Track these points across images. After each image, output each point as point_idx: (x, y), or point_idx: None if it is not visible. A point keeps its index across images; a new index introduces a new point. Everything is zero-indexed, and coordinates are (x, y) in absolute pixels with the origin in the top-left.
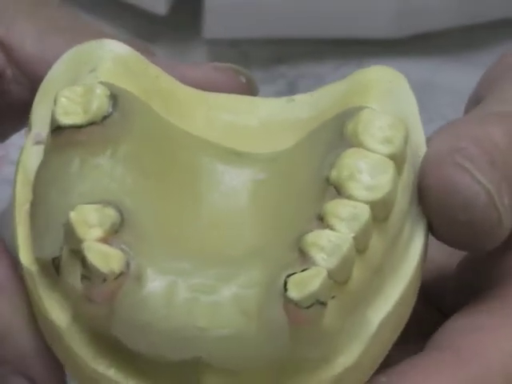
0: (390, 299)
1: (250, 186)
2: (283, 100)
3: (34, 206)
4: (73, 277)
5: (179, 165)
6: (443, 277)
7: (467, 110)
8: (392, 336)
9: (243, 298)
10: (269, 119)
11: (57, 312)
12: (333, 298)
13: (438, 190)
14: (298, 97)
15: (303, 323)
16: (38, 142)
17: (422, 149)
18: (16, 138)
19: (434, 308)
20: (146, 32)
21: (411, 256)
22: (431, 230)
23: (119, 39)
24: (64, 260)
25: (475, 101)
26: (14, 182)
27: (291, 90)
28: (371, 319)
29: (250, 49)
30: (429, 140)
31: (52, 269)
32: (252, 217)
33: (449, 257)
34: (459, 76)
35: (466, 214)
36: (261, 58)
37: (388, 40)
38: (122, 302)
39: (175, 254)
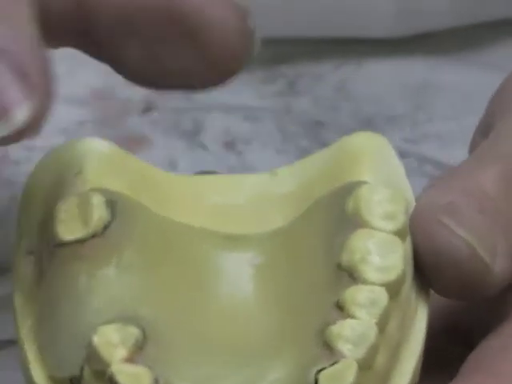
0: (407, 371)
1: (252, 271)
2: (266, 175)
3: (43, 322)
4: None
5: (181, 260)
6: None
7: (473, 140)
8: None
9: None
10: (255, 196)
11: None
12: None
13: (423, 250)
14: (281, 170)
15: None
16: (29, 253)
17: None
18: None
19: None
20: None
21: (419, 321)
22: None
23: None
24: (87, 380)
25: (482, 131)
26: (13, 293)
27: (291, 90)
28: None
29: None
30: (421, 194)
31: None
32: (262, 304)
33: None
34: (459, 76)
35: (452, 270)
36: (260, 58)
37: (387, 40)
38: None
39: (199, 359)
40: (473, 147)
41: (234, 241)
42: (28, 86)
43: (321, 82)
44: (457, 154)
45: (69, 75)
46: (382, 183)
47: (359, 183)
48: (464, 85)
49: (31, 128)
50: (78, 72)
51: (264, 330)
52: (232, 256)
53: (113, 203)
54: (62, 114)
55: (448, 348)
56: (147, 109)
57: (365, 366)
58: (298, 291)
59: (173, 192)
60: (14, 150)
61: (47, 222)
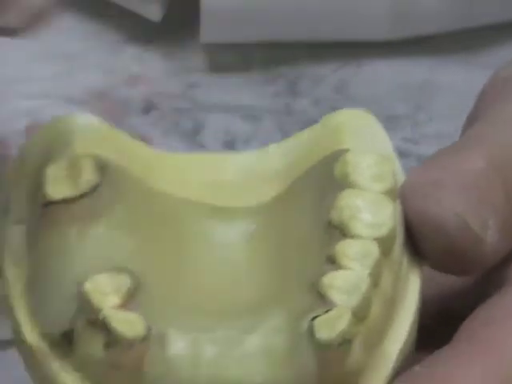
0: (403, 329)
1: (243, 238)
2: (253, 153)
3: (34, 282)
4: (93, 347)
5: (169, 227)
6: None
7: (463, 131)
8: (403, 364)
9: (270, 347)
10: (243, 173)
11: None
12: (353, 341)
13: (414, 223)
14: (268, 148)
15: (332, 364)
16: (18, 222)
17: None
18: (16, 138)
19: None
20: (144, 36)
21: (412, 284)
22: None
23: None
24: (80, 332)
25: (470, 123)
26: (4, 264)
27: (291, 90)
28: (389, 351)
29: (248, 51)
30: (409, 172)
31: (63, 342)
32: (254, 266)
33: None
34: (459, 77)
35: (443, 242)
36: (259, 61)
37: (386, 42)
38: (150, 365)
39: (192, 312)
40: (462, 134)
41: (222, 212)
42: None
43: (321, 83)
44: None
45: (69, 75)
46: (369, 151)
47: (345, 150)
48: (464, 85)
49: None
50: (77, 72)
51: (256, 286)
52: (221, 224)
53: (102, 166)
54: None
55: (440, 329)
56: (147, 109)
57: (359, 316)
58: (289, 251)
59: (160, 166)
60: (14, 151)
61: (37, 190)
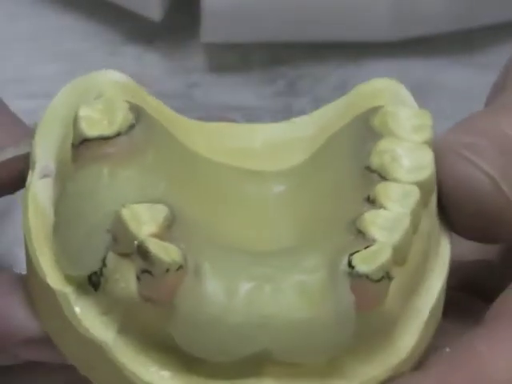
0: (435, 289)
1: (276, 194)
2: (282, 123)
3: (62, 225)
4: (125, 281)
5: (200, 176)
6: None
7: (488, 99)
8: (435, 325)
9: (307, 284)
10: (271, 141)
11: (99, 329)
12: (392, 279)
13: (445, 184)
14: (297, 119)
15: (371, 301)
16: (45, 176)
17: None
18: None
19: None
20: (144, 35)
21: (443, 246)
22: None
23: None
24: (111, 267)
25: (496, 91)
26: (25, 215)
27: (291, 90)
28: (422, 308)
29: (248, 52)
30: (441, 135)
31: (89, 286)
32: (289, 216)
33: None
34: (459, 77)
35: (473, 203)
36: (259, 61)
37: (386, 42)
38: (183, 298)
39: (227, 250)
40: (488, 102)
41: (253, 174)
42: None
43: (321, 83)
44: None
45: (69, 75)
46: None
47: (381, 106)
48: (463, 85)
49: None
50: (77, 72)
51: (291, 231)
52: (253, 183)
53: (137, 109)
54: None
55: (468, 301)
56: None
57: (398, 257)
58: (324, 199)
59: (187, 131)
60: None
61: (66, 139)
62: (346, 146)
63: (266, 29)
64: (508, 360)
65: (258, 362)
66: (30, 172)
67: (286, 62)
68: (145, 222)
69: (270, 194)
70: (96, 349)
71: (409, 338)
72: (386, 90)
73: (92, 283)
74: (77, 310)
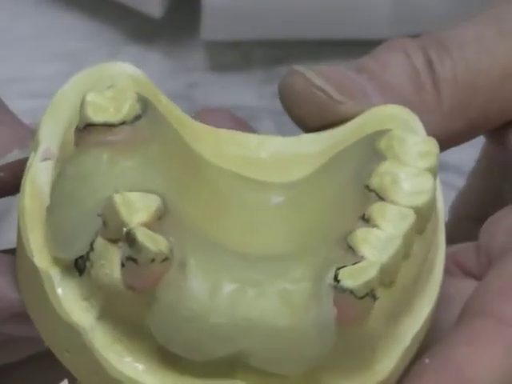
0: (421, 315)
1: (275, 204)
2: (291, 137)
3: (55, 208)
4: (109, 267)
5: (201, 178)
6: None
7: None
8: (416, 349)
9: (291, 293)
10: (278, 153)
11: (79, 313)
12: (377, 299)
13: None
14: (306, 135)
15: (353, 318)
16: (46, 158)
17: (437, 185)
18: None
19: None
20: (145, 34)
21: (435, 278)
22: None
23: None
24: (97, 252)
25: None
26: (21, 195)
27: None
28: (405, 334)
29: (248, 50)
30: None
31: (75, 270)
32: (284, 226)
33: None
34: None
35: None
36: (260, 59)
37: (385, 41)
38: (165, 290)
39: (216, 250)
40: None
41: (256, 183)
42: None
43: None
44: (457, 153)
45: (69, 75)
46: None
47: (391, 130)
48: None
49: None
50: (78, 72)
51: (284, 240)
52: (253, 191)
53: (146, 101)
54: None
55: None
56: None
57: (385, 277)
58: (321, 213)
59: (195, 134)
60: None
61: (72, 126)
62: (349, 164)
63: (266, 27)
64: (489, 367)
65: (233, 366)
66: (32, 153)
67: (286, 60)
68: (137, 209)
69: (269, 203)
70: (73, 333)
71: (388, 362)
72: (397, 116)
73: (78, 267)
74: (59, 292)
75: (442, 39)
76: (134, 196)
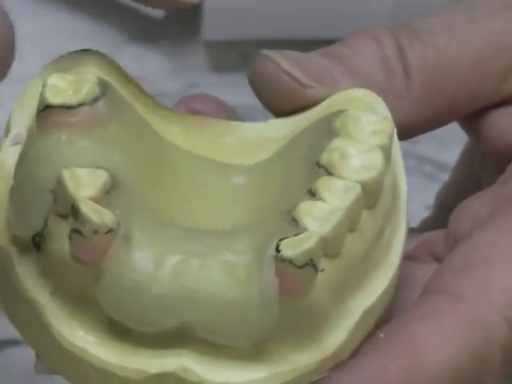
0: (374, 292)
1: (234, 185)
2: (260, 123)
3: (16, 188)
4: (60, 241)
5: (162, 159)
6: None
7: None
8: (370, 328)
9: (235, 264)
10: (245, 138)
11: (35, 289)
12: (322, 270)
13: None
14: (275, 120)
15: (295, 288)
16: (16, 143)
17: (399, 165)
18: None
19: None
20: (145, 34)
21: (392, 257)
22: None
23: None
24: (50, 228)
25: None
26: None
27: None
28: (354, 308)
29: (248, 50)
30: None
31: (32, 247)
32: (237, 205)
33: None
34: None
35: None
36: None
37: None
38: (111, 262)
39: (163, 225)
40: None
41: (217, 165)
42: None
43: None
44: (456, 154)
45: None
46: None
47: (347, 110)
48: None
49: None
50: None
51: (234, 218)
52: (214, 172)
53: (105, 84)
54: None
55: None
56: None
57: (329, 248)
58: (274, 192)
59: (164, 120)
60: None
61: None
62: (304, 143)
63: (266, 27)
64: (442, 341)
65: (183, 337)
66: (3, 138)
67: None
68: (84, 184)
69: (229, 184)
70: (31, 309)
71: (337, 336)
72: (361, 99)
73: (35, 244)
74: (18, 269)
75: (414, 26)
76: (82, 172)
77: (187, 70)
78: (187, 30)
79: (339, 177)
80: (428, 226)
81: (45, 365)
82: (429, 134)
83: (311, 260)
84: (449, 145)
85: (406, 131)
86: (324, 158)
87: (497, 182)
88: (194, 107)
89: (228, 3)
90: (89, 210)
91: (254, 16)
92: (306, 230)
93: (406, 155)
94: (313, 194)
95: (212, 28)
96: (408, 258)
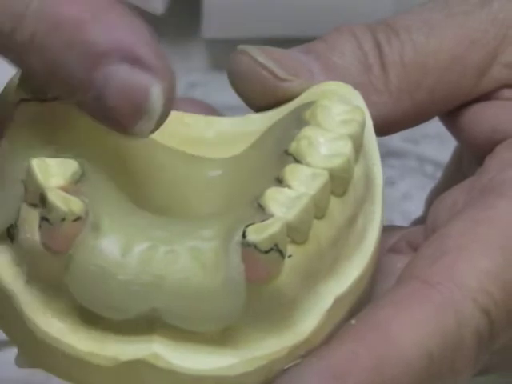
0: (346, 279)
1: (211, 177)
2: (239, 117)
3: None
4: (31, 230)
5: (140, 153)
6: None
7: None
8: (343, 315)
9: (201, 250)
10: (224, 132)
11: (9, 279)
12: (289, 256)
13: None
14: (253, 115)
15: (260, 273)
16: None
17: (375, 156)
18: None
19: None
20: None
21: (366, 246)
22: None
23: None
24: (22, 218)
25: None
26: None
27: None
28: (325, 295)
29: None
30: None
31: (6, 238)
32: (215, 195)
33: None
34: None
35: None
36: None
37: None
38: (79, 249)
39: (132, 213)
40: None
41: (194, 159)
42: (149, 70)
43: None
44: None
45: None
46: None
47: (318, 100)
48: None
49: (168, 110)
50: None
51: (204, 207)
52: (192, 166)
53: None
54: None
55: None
56: None
57: (295, 234)
58: (246, 182)
59: None
60: None
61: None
62: (276, 134)
63: (266, 25)
64: (413, 326)
65: (152, 324)
66: None
67: None
68: (53, 174)
69: (205, 176)
70: (5, 298)
71: (308, 322)
72: (336, 92)
73: (9, 235)
74: None
75: (391, 23)
76: (52, 161)
77: (187, 69)
78: (187, 28)
79: (307, 164)
80: (419, 224)
81: (24, 357)
82: (429, 134)
83: (276, 245)
84: (449, 145)
85: (386, 126)
86: (292, 146)
87: (475, 174)
88: (182, 111)
89: (228, 2)
90: (56, 198)
91: (255, 14)
92: (272, 215)
93: (406, 155)
94: (280, 181)
95: (212, 26)
96: (389, 250)
